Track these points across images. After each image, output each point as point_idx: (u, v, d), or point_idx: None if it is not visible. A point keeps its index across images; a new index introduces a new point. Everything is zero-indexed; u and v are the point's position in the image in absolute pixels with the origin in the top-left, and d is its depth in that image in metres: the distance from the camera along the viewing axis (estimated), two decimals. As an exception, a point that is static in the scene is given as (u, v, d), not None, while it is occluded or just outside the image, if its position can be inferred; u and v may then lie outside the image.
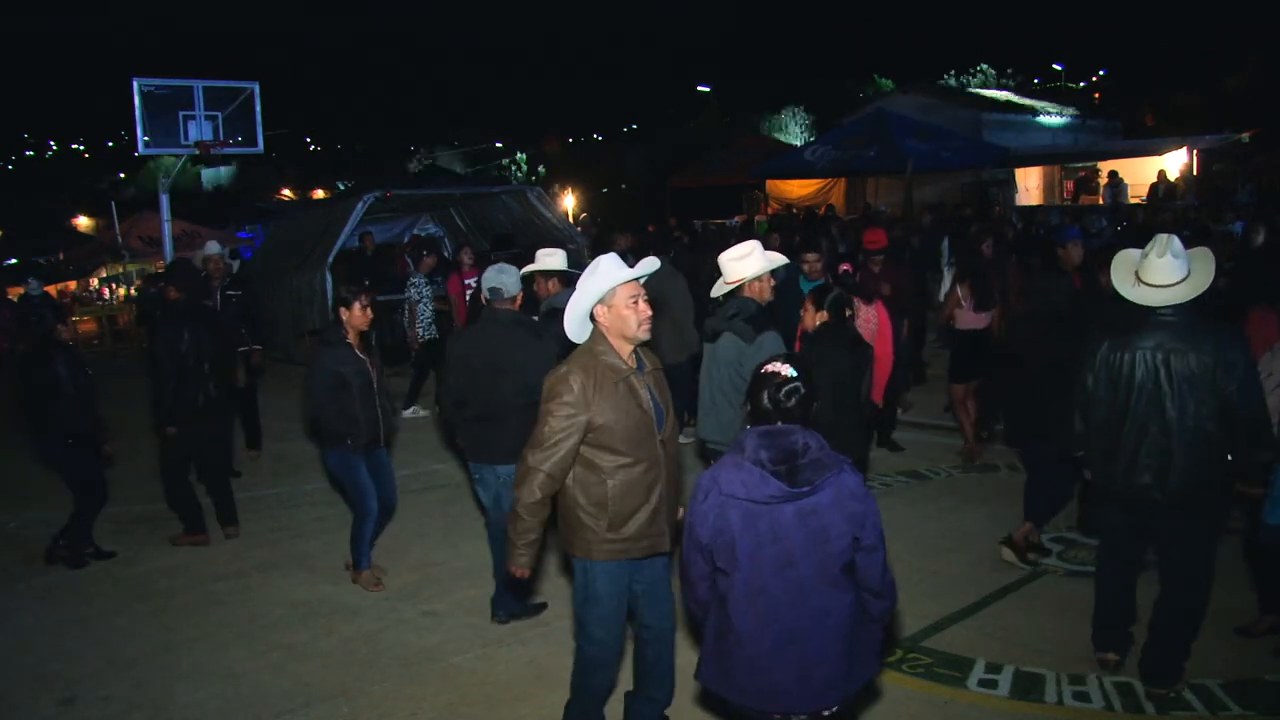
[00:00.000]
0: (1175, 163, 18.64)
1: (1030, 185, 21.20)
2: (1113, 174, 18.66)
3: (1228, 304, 5.66)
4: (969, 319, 7.07)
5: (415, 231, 15.80)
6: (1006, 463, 7.06)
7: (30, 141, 70.11)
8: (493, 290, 4.69)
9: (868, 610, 2.73)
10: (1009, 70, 39.42)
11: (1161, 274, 3.68)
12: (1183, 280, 3.67)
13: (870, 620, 2.76)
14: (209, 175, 45.26)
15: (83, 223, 31.21)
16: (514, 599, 4.84)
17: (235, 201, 32.56)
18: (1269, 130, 19.95)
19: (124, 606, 5.27)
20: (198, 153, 11.78)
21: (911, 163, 17.42)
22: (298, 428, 8.47)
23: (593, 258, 3.55)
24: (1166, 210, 14.58)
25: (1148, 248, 3.76)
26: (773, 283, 4.53)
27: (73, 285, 21.02)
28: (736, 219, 21.31)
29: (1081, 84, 44.26)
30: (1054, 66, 40.19)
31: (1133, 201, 17.65)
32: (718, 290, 4.45)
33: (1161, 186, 17.72)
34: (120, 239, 17.45)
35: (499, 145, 57.86)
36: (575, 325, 3.37)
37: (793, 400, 2.64)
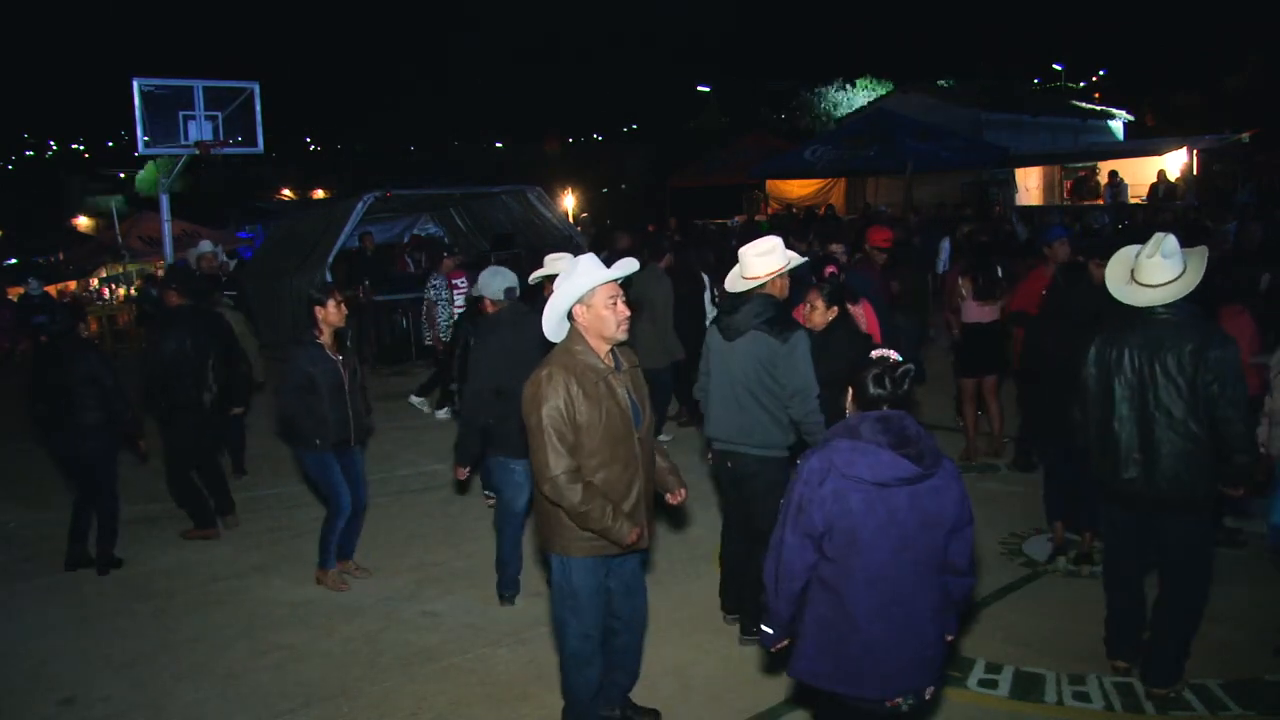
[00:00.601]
0: (1175, 163, 18.64)
1: (1030, 185, 21.20)
2: (1113, 174, 18.65)
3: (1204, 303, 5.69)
4: (973, 311, 7.07)
5: (415, 231, 15.80)
6: (1006, 462, 7.07)
7: (30, 141, 70.11)
8: (508, 290, 5.00)
9: (949, 592, 2.78)
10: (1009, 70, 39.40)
11: (1154, 274, 3.71)
12: (1175, 279, 3.70)
13: (952, 601, 2.80)
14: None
15: (83, 223, 31.22)
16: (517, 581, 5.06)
17: (235, 201, 32.54)
18: (1269, 130, 19.96)
19: (124, 606, 5.27)
20: (198, 153, 11.78)
21: (911, 163, 17.43)
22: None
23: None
24: (1166, 210, 14.59)
25: (1143, 247, 3.79)
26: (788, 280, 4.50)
27: (73, 285, 21.03)
28: (737, 219, 21.32)
29: (1081, 84, 44.26)
30: (1054, 67, 40.20)
31: (1133, 201, 17.65)
32: (736, 285, 4.35)
33: (1161, 186, 17.71)
34: (120, 239, 17.45)
35: (499, 145, 57.87)
36: (554, 324, 3.41)
37: (905, 384, 2.70)
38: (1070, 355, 4.14)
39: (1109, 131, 25.28)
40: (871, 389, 2.70)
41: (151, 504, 6.84)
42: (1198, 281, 3.70)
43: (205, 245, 9.08)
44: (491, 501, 6.81)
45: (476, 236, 15.12)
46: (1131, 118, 27.14)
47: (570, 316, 3.38)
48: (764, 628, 2.89)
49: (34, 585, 5.64)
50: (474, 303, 6.81)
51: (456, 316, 8.79)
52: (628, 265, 3.42)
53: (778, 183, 23.09)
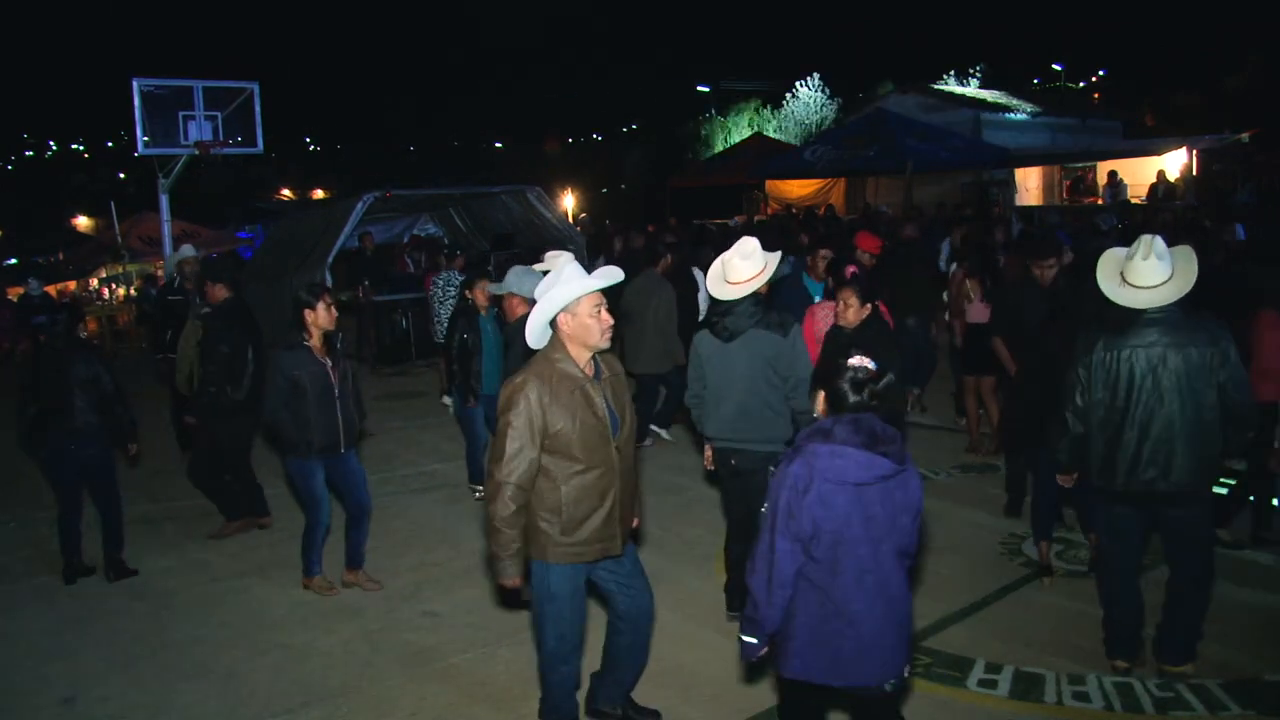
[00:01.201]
0: (1175, 163, 18.63)
1: (1030, 185, 21.20)
2: (1112, 174, 18.65)
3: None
4: (978, 312, 7.07)
5: (415, 231, 15.79)
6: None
7: (30, 141, 70.11)
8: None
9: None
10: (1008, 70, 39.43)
11: (1146, 276, 3.75)
12: (1167, 280, 3.74)
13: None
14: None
15: (83, 223, 31.20)
16: None
17: (235, 201, 32.55)
18: (1269, 130, 19.96)
19: (124, 606, 5.27)
20: (197, 153, 11.78)
21: (911, 163, 17.43)
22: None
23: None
24: (1166, 210, 14.58)
25: (1132, 249, 3.82)
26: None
27: (73, 285, 21.03)
28: (737, 219, 21.31)
29: (1081, 84, 44.26)
30: (1054, 67, 40.19)
31: (1133, 201, 17.64)
32: (722, 292, 4.37)
33: (1161, 187, 17.71)
34: (120, 239, 17.43)
35: (499, 145, 57.88)
36: (538, 332, 3.42)
37: (879, 390, 2.76)
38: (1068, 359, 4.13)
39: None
40: (851, 397, 2.77)
41: (151, 504, 6.85)
42: (1191, 284, 3.74)
43: (187, 250, 9.02)
44: (480, 495, 6.84)
45: (476, 236, 15.11)
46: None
47: (553, 324, 3.39)
48: (747, 639, 2.88)
49: (34, 585, 5.64)
50: (467, 300, 6.85)
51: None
52: (612, 274, 3.42)
53: (777, 183, 23.09)
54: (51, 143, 72.29)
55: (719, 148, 33.06)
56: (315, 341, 5.06)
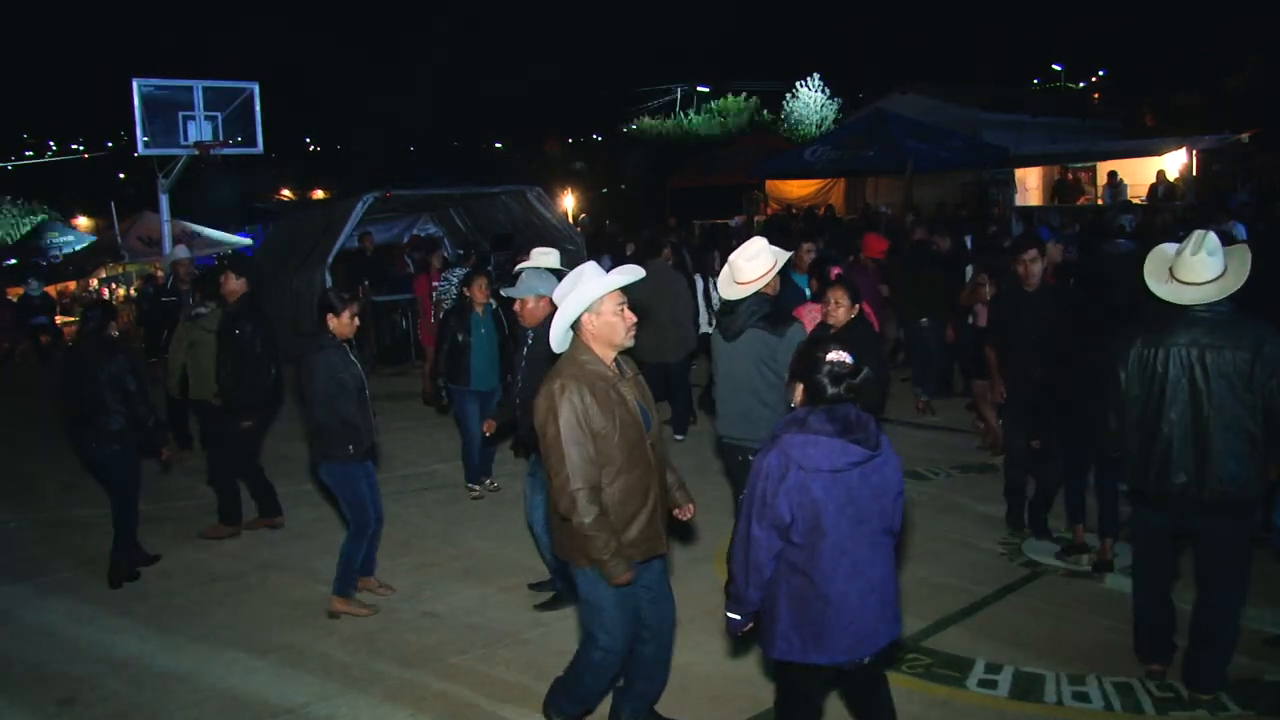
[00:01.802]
0: (1175, 163, 18.61)
1: (1030, 185, 21.18)
2: (1112, 174, 18.63)
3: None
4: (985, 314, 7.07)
5: (415, 231, 15.79)
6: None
7: (30, 141, 70.07)
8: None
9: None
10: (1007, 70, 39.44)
11: (1197, 271, 3.62)
12: (1217, 278, 3.62)
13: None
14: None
15: (82, 223, 31.21)
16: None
17: (235, 201, 32.53)
18: (1269, 130, 19.93)
19: (124, 606, 5.27)
20: (197, 153, 11.78)
21: (911, 163, 17.41)
22: (298, 428, 8.46)
23: (592, 257, 3.52)
24: (1166, 210, 14.56)
25: (1184, 244, 3.70)
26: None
27: (72, 285, 21.03)
28: (737, 219, 21.30)
29: (1081, 84, 44.24)
30: (1054, 67, 40.19)
31: (1132, 201, 17.62)
32: (730, 292, 4.41)
33: (1161, 187, 17.69)
34: (120, 239, 17.45)
35: (499, 145, 57.87)
36: (561, 334, 3.38)
37: (857, 384, 2.85)
38: (1099, 358, 4.10)
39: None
40: (829, 389, 2.85)
41: (151, 504, 6.83)
42: (1241, 282, 3.62)
43: (181, 251, 8.96)
44: (475, 494, 6.85)
45: (476, 237, 15.12)
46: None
47: (574, 325, 3.34)
48: (730, 615, 3.03)
49: (34, 585, 5.64)
50: (465, 298, 6.85)
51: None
52: (633, 271, 3.39)
53: (777, 183, 23.07)
54: (51, 143, 72.28)
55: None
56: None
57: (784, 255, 4.49)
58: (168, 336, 7.58)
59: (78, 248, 22.81)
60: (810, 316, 5.42)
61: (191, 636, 4.86)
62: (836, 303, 4.93)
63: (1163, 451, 3.72)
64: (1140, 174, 18.49)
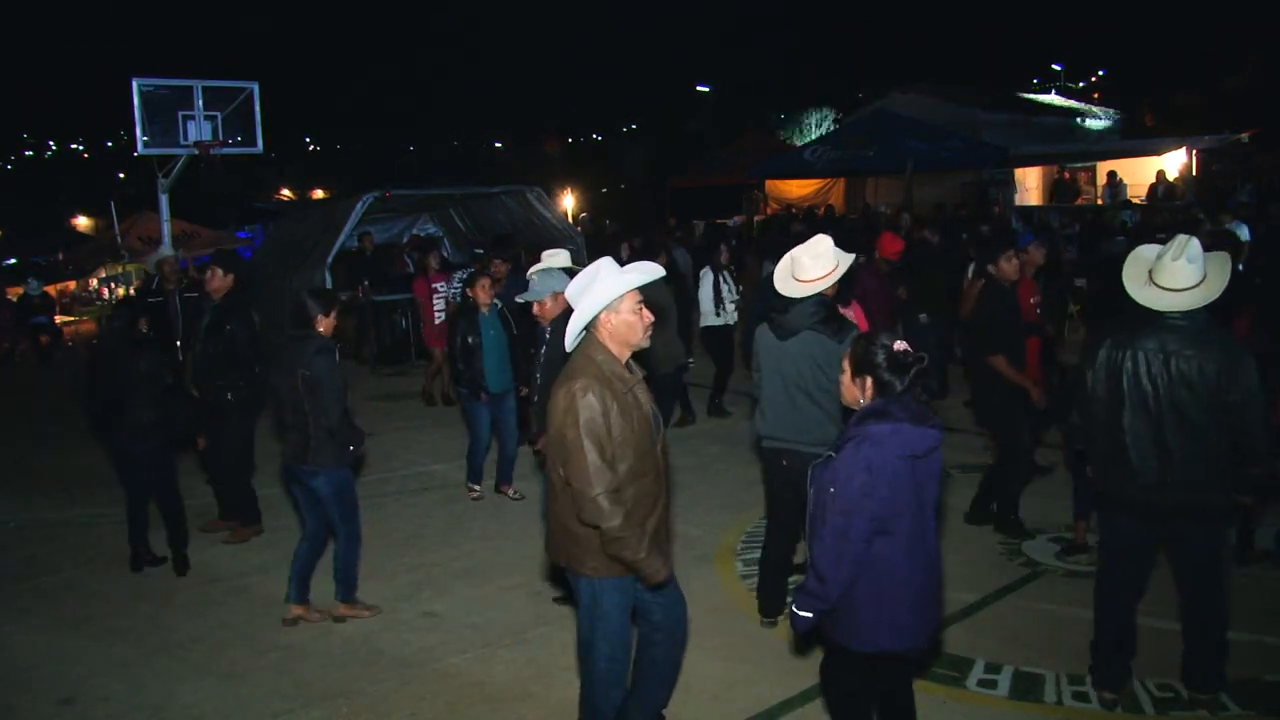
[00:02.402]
0: (1175, 163, 18.61)
1: (1030, 185, 21.18)
2: (1111, 174, 18.64)
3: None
4: None
5: (415, 231, 15.79)
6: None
7: (30, 141, 70.08)
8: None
9: None
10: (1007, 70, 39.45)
11: (1176, 277, 3.59)
12: (1196, 285, 3.58)
13: None
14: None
15: (82, 223, 31.20)
16: None
17: (234, 201, 32.53)
18: (1269, 130, 19.93)
19: (124, 606, 5.27)
20: (197, 153, 11.78)
21: (911, 163, 17.43)
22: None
23: (592, 257, 3.47)
24: (1166, 210, 14.57)
25: (1165, 249, 3.66)
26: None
27: (72, 285, 21.03)
28: (737, 219, 21.32)
29: (1081, 84, 44.24)
30: (1054, 67, 40.17)
31: (1132, 201, 17.63)
32: (790, 289, 4.29)
33: (1161, 187, 17.70)
34: (119, 239, 17.45)
35: (498, 145, 57.90)
36: (577, 333, 3.28)
37: (923, 370, 2.96)
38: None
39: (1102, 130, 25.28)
40: (899, 378, 2.93)
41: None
42: (1219, 292, 3.58)
43: (165, 250, 8.86)
44: (476, 494, 6.83)
45: (476, 237, 15.11)
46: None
47: (590, 324, 3.25)
48: (802, 612, 2.98)
49: (34, 585, 5.64)
50: (469, 299, 6.80)
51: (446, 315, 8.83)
52: (653, 269, 3.30)
53: (777, 183, 23.08)
54: (51, 143, 72.27)
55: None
56: None
57: (848, 258, 4.38)
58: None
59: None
60: None
61: (191, 636, 4.86)
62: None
63: (1126, 454, 3.69)
64: (1140, 174, 18.49)
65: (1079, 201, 19.23)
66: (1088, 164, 20.07)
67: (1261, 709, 3.85)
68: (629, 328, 3.22)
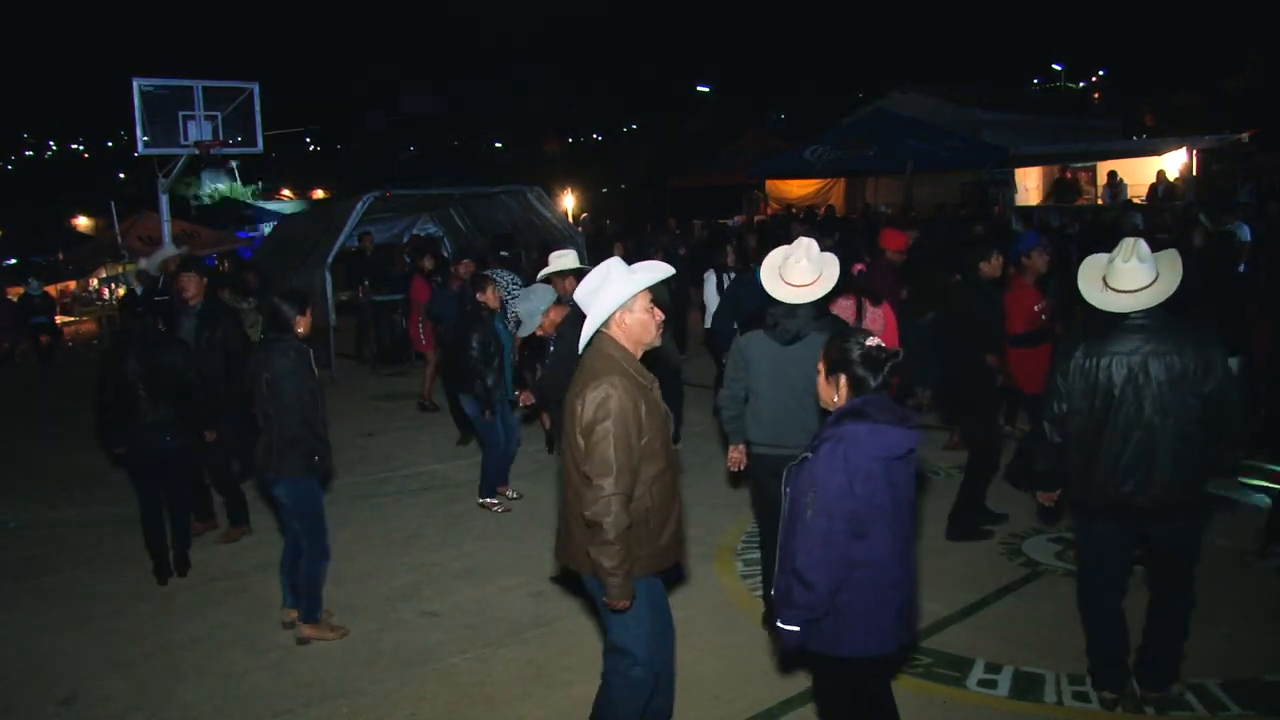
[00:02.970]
0: (1175, 163, 18.61)
1: (1030, 185, 21.18)
2: (1112, 174, 18.64)
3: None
4: None
5: (415, 231, 15.79)
6: (1005, 462, 7.06)
7: (30, 141, 70.08)
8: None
9: None
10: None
11: (1128, 279, 3.64)
12: (1150, 285, 3.63)
13: None
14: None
15: (82, 223, 31.22)
16: None
17: (235, 201, 32.56)
18: (1269, 130, 19.92)
19: (124, 606, 5.27)
20: (197, 153, 11.78)
21: (911, 163, 17.43)
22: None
23: (592, 256, 3.41)
24: (1166, 210, 14.56)
25: (1115, 252, 3.71)
26: None
27: (72, 285, 21.04)
28: (737, 219, 21.30)
29: (1081, 84, 44.26)
30: (1054, 67, 40.20)
31: (1132, 201, 17.63)
32: (784, 293, 4.23)
33: (1161, 187, 17.70)
34: (120, 239, 17.46)
35: (498, 145, 57.91)
36: (592, 333, 3.26)
37: (896, 367, 2.94)
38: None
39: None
40: (873, 377, 2.91)
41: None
42: (1174, 288, 3.64)
43: (169, 248, 8.78)
44: (502, 507, 6.72)
45: (476, 236, 15.11)
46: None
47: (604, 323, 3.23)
48: (790, 626, 2.90)
49: (34, 585, 5.64)
50: (480, 305, 6.72)
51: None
52: (663, 268, 3.30)
53: (777, 183, 23.08)
54: (51, 143, 72.27)
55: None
56: None
57: (833, 262, 4.32)
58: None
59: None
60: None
61: (191, 636, 4.86)
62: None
63: (1109, 461, 3.68)
64: (1140, 174, 18.50)
65: (1079, 201, 19.23)
66: (1088, 164, 20.06)
67: (1261, 709, 3.85)
68: (643, 326, 3.24)
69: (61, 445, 8.98)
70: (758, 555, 4.95)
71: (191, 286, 6.23)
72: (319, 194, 43.82)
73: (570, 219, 19.23)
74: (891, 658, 3.06)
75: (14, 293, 16.64)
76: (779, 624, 2.93)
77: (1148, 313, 3.64)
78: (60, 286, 20.01)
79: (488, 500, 6.65)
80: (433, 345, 9.37)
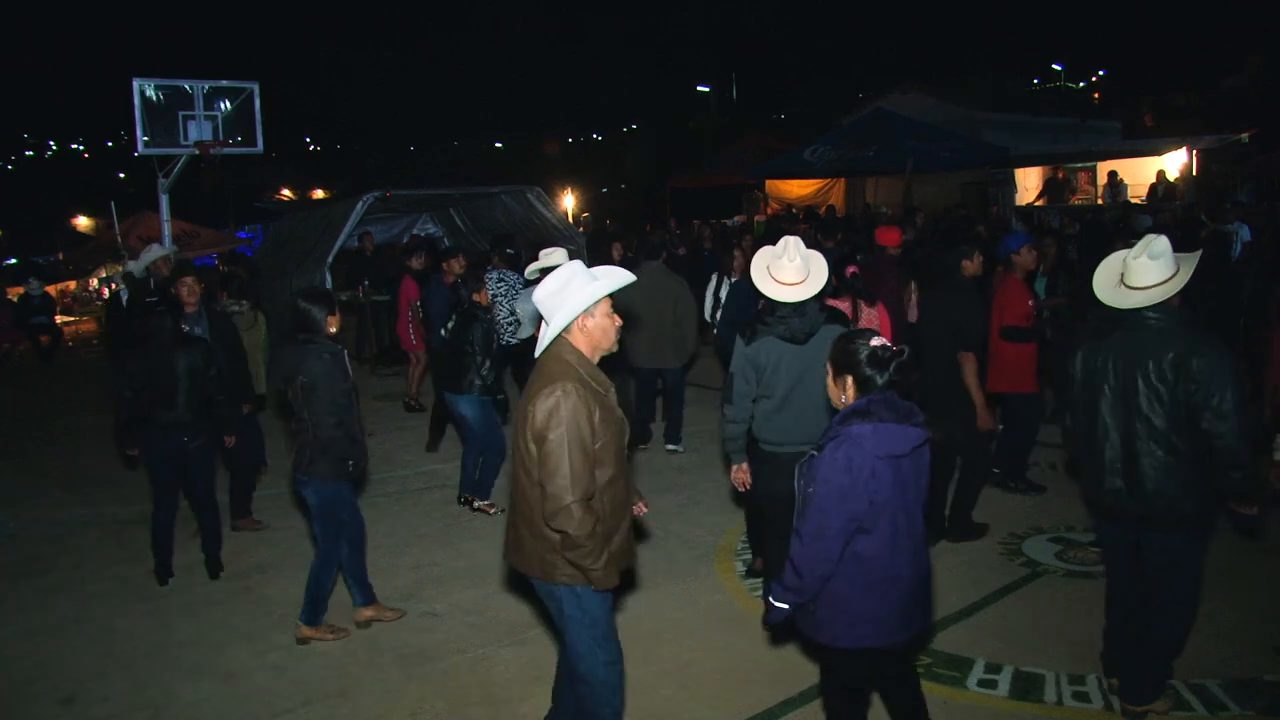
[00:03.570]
0: (1175, 163, 18.61)
1: (1030, 185, 21.18)
2: (1112, 174, 18.64)
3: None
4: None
5: (415, 231, 15.79)
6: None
7: (30, 141, 70.05)
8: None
9: None
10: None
11: (1143, 276, 3.58)
12: (1164, 281, 3.56)
13: None
14: None
15: (82, 223, 31.21)
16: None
17: (235, 201, 32.54)
18: (1268, 130, 19.91)
19: (124, 606, 5.27)
20: (197, 153, 11.78)
21: (911, 163, 17.41)
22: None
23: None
24: (1167, 210, 14.55)
25: (1132, 249, 3.67)
26: None
27: (72, 285, 21.05)
28: (737, 219, 21.31)
29: (1081, 84, 44.25)
30: (1054, 66, 40.17)
31: (1132, 201, 17.63)
32: (779, 293, 4.23)
33: (1161, 187, 17.70)
34: (120, 239, 17.46)
35: (498, 145, 57.89)
36: (553, 337, 3.21)
37: (902, 365, 2.99)
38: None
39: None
40: (880, 376, 2.96)
41: (150, 505, 6.82)
42: (1181, 285, 3.57)
43: (156, 249, 8.53)
44: (497, 509, 6.73)
45: (476, 236, 15.12)
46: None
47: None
48: (778, 604, 3.04)
49: (34, 585, 5.64)
50: (477, 305, 6.70)
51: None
52: (624, 276, 3.29)
53: (777, 183, 23.06)
54: (51, 143, 72.24)
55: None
56: None
57: (820, 260, 4.38)
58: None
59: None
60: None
61: (192, 636, 4.86)
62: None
63: (1099, 457, 3.68)
64: (1140, 174, 18.50)
65: (1075, 201, 19.23)
66: (1088, 164, 20.07)
67: (1261, 709, 3.85)
68: (603, 332, 3.24)
69: (61, 445, 8.98)
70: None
71: (187, 293, 6.21)
72: (319, 194, 43.81)
73: (570, 219, 19.24)
74: (890, 653, 3.08)
75: (14, 293, 16.64)
76: (769, 598, 3.07)
77: (1161, 312, 3.57)
78: (60, 286, 20.02)
79: (483, 504, 6.64)
80: (423, 344, 9.40)
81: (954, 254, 5.82)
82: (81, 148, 70.82)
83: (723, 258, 9.20)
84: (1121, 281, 3.68)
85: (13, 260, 23.05)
